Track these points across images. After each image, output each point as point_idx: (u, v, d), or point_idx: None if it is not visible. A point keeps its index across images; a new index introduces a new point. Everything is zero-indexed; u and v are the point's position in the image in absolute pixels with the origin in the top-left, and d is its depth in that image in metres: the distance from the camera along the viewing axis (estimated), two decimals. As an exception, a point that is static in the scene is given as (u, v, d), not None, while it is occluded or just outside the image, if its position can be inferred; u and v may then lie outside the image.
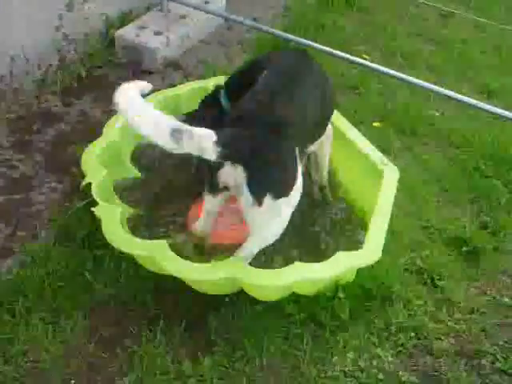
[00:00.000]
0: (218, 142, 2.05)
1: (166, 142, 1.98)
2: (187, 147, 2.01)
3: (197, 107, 3.01)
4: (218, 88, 2.95)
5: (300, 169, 2.41)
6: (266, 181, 2.25)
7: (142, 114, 2.00)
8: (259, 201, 2.24)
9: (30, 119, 3.53)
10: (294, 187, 2.34)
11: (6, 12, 3.35)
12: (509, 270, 3.05)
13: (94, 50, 4.08)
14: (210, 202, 2.52)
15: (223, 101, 2.89)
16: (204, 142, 2.04)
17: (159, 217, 2.89)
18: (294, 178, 2.35)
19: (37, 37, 3.63)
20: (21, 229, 2.85)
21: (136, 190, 3.01)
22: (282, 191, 2.29)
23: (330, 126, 2.92)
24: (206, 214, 2.59)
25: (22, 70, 3.57)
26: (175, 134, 1.97)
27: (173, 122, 2.00)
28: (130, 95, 2.01)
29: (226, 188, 2.37)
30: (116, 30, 4.16)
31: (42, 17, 3.62)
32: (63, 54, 3.86)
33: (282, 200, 2.29)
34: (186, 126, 2.01)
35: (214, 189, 2.42)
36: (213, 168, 2.31)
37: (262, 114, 2.31)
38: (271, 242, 2.49)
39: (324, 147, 2.98)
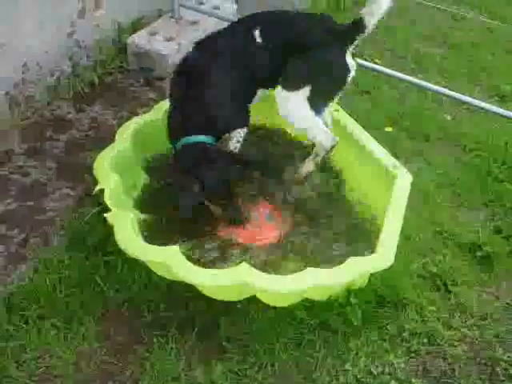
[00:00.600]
0: None
1: None
2: None
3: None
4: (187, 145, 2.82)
5: None
6: None
7: None
8: None
9: (42, 126, 3.56)
10: None
11: (19, 19, 3.38)
12: (523, 275, 3.03)
13: (106, 57, 4.11)
14: None
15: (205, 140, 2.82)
16: None
17: (172, 223, 2.88)
18: None
19: (49, 44, 3.65)
20: (33, 235, 2.87)
21: (148, 195, 3.02)
22: None
23: None
24: None
25: (35, 77, 3.60)
26: None
27: None
28: None
29: None
30: (128, 37, 4.19)
31: (54, 24, 3.64)
32: (75, 61, 3.89)
33: None
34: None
35: None
36: None
37: None
38: None
39: None
